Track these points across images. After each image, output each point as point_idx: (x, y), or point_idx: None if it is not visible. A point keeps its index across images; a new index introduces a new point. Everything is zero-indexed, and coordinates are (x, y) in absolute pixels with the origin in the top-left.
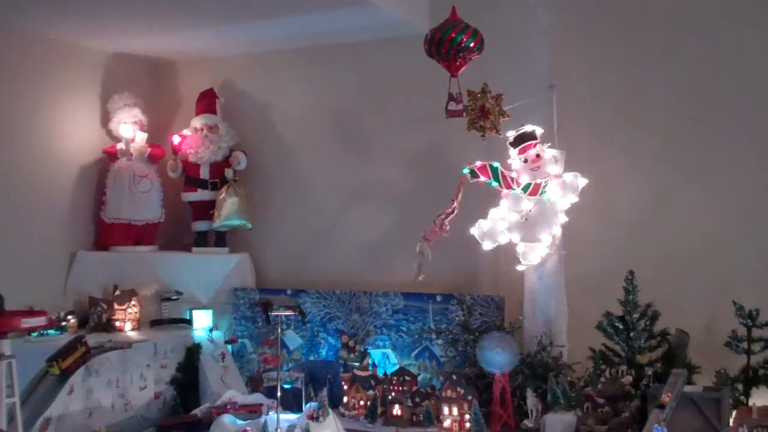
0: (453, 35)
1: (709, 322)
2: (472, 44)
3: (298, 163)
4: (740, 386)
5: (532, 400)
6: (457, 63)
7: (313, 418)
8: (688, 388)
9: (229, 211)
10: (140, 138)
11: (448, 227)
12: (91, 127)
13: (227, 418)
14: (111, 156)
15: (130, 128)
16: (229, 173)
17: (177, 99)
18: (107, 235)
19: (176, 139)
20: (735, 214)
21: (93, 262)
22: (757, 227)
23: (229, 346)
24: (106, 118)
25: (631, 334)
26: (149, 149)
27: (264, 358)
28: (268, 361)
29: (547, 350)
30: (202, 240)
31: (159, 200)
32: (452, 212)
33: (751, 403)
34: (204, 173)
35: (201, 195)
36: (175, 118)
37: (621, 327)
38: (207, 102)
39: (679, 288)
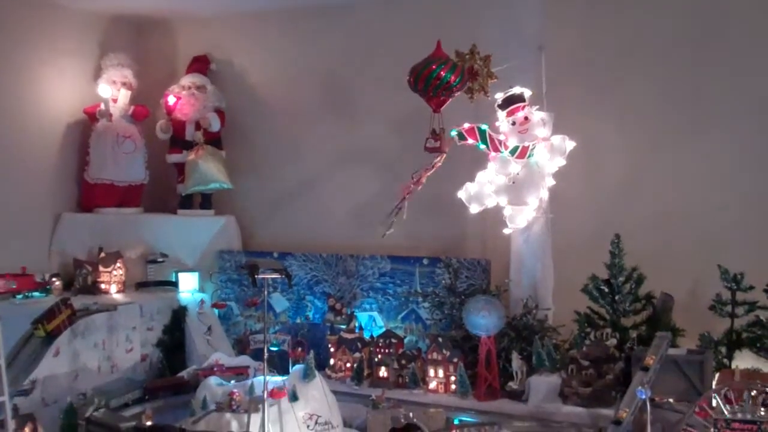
0: (442, 74)
1: (694, 286)
2: (458, 84)
3: (285, 126)
4: (723, 349)
5: (517, 363)
6: (441, 99)
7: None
8: (671, 351)
9: (197, 176)
10: (123, 96)
11: (423, 180)
12: (77, 87)
13: (214, 380)
14: (91, 117)
15: (108, 88)
16: (197, 136)
17: (164, 60)
18: (91, 196)
19: (171, 100)
20: (721, 179)
21: (77, 224)
22: (743, 192)
23: (216, 311)
24: (94, 79)
25: (617, 297)
26: (132, 108)
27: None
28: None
29: (532, 313)
30: (187, 202)
31: (143, 161)
32: (431, 167)
33: (734, 366)
34: (189, 134)
35: (186, 156)
36: (164, 80)
37: (606, 290)
38: (199, 65)
39: (664, 252)
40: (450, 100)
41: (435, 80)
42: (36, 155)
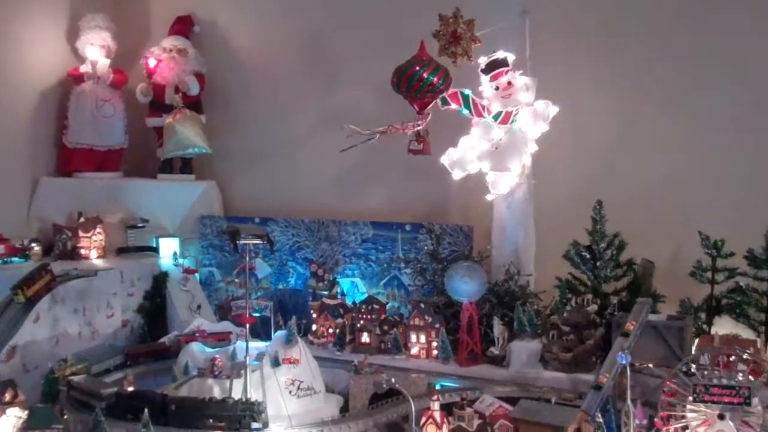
0: (424, 75)
1: (675, 252)
2: (442, 86)
3: (267, 90)
4: (703, 315)
5: (498, 328)
6: (424, 101)
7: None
8: (652, 317)
9: (175, 140)
10: (103, 64)
11: (408, 131)
12: (54, 49)
13: (196, 346)
14: (76, 79)
15: (96, 50)
16: (176, 100)
17: (143, 20)
18: (69, 160)
19: (151, 62)
20: (702, 146)
21: (56, 188)
22: (724, 160)
23: (197, 275)
24: (71, 40)
25: (598, 264)
26: (112, 75)
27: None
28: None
29: (514, 279)
30: (168, 167)
31: (122, 126)
32: (419, 125)
33: (713, 332)
34: (169, 98)
35: (166, 120)
36: (143, 43)
37: (588, 256)
38: (182, 26)
39: (646, 218)
40: (433, 102)
41: (417, 82)
42: (12, 119)
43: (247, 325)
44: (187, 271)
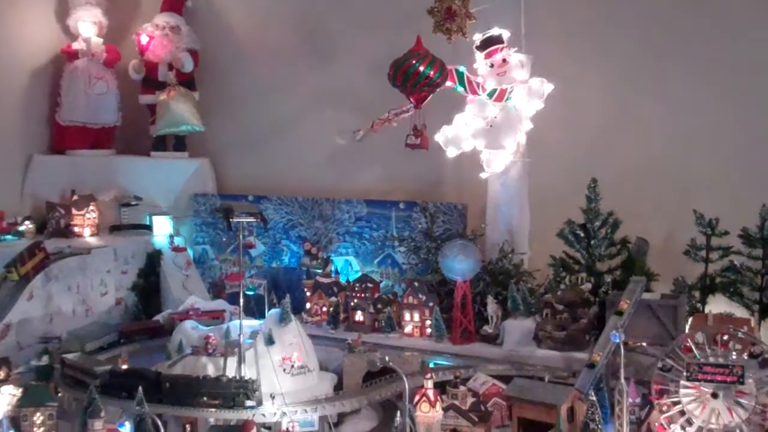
0: (421, 69)
1: (669, 231)
2: (438, 79)
3: (260, 67)
4: (697, 294)
5: (492, 307)
6: (421, 95)
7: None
8: (646, 296)
9: (169, 117)
10: (96, 42)
11: (395, 123)
12: (45, 27)
13: (189, 324)
14: (70, 56)
15: (89, 26)
16: (169, 77)
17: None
18: (63, 138)
19: (144, 39)
20: (697, 124)
21: (50, 166)
22: (719, 138)
23: (190, 251)
24: (61, 17)
25: (592, 242)
26: (105, 54)
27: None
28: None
29: (508, 258)
30: (161, 144)
31: (115, 103)
32: (407, 111)
33: (707, 310)
34: (162, 75)
35: (159, 97)
36: (135, 19)
37: (582, 235)
38: (174, 2)
39: (640, 196)
40: (430, 96)
41: (414, 75)
42: (4, 97)
43: (242, 302)
44: (175, 249)
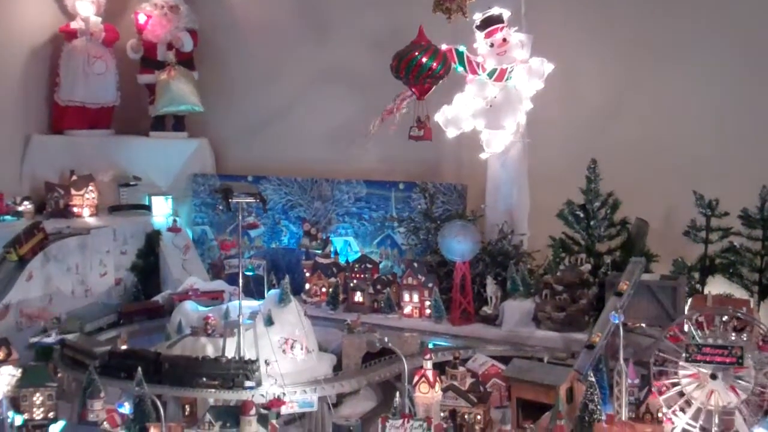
0: (423, 60)
1: (669, 211)
2: (441, 71)
3: (259, 46)
4: (697, 275)
5: (491, 288)
6: (424, 86)
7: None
8: (645, 277)
9: (169, 96)
10: (94, 21)
11: (404, 109)
12: (43, 5)
13: (189, 305)
14: (68, 35)
15: (87, 5)
16: (169, 56)
17: None
18: (62, 118)
19: (141, 18)
20: (698, 104)
21: (48, 146)
22: (720, 118)
23: (189, 231)
24: None
25: (592, 223)
26: (104, 33)
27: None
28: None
29: (508, 238)
30: (160, 124)
31: (114, 83)
32: (411, 94)
33: (706, 292)
34: (161, 54)
35: (158, 77)
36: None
37: (582, 215)
38: None
39: (640, 177)
40: (434, 87)
41: (416, 66)
42: (1, 77)
43: (241, 282)
44: (171, 229)
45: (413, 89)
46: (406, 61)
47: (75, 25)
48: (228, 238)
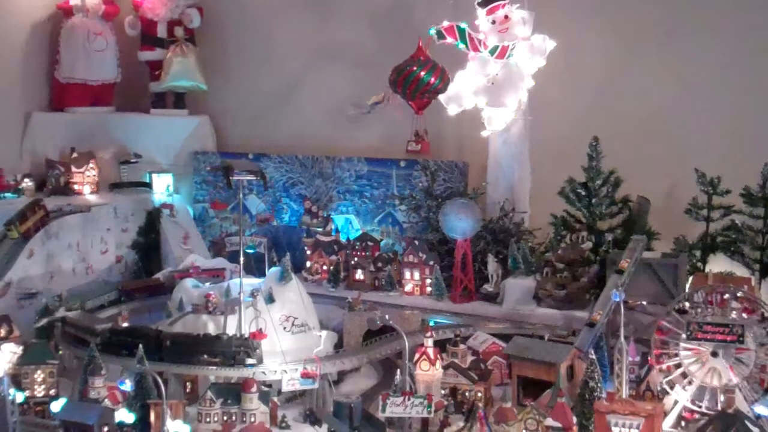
0: (422, 75)
1: (671, 189)
2: (439, 86)
3: (259, 23)
4: (698, 253)
5: (492, 266)
6: (422, 101)
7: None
8: (646, 254)
9: (177, 70)
10: None
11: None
12: None
13: (190, 282)
14: (66, 12)
15: None
16: (179, 32)
17: None
18: (62, 95)
19: None
20: (699, 82)
21: (49, 123)
22: (721, 96)
23: (190, 209)
24: None
25: (593, 201)
26: (104, 7)
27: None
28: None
29: (509, 216)
30: (160, 102)
31: (115, 59)
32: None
33: (707, 270)
34: (161, 31)
35: (159, 54)
36: None
37: (583, 193)
38: None
39: (642, 155)
40: (431, 102)
41: (414, 82)
42: (2, 54)
43: (242, 260)
44: (164, 205)
45: (411, 104)
46: (404, 76)
47: (73, 1)
48: (219, 199)
